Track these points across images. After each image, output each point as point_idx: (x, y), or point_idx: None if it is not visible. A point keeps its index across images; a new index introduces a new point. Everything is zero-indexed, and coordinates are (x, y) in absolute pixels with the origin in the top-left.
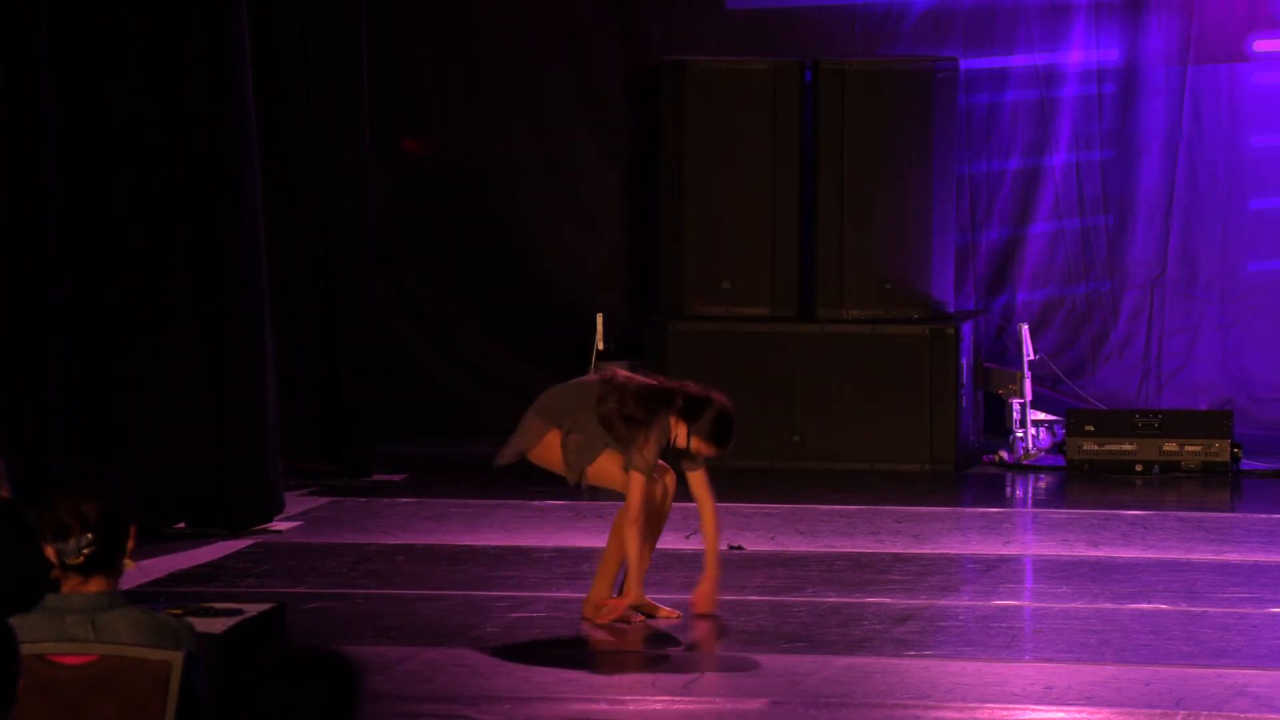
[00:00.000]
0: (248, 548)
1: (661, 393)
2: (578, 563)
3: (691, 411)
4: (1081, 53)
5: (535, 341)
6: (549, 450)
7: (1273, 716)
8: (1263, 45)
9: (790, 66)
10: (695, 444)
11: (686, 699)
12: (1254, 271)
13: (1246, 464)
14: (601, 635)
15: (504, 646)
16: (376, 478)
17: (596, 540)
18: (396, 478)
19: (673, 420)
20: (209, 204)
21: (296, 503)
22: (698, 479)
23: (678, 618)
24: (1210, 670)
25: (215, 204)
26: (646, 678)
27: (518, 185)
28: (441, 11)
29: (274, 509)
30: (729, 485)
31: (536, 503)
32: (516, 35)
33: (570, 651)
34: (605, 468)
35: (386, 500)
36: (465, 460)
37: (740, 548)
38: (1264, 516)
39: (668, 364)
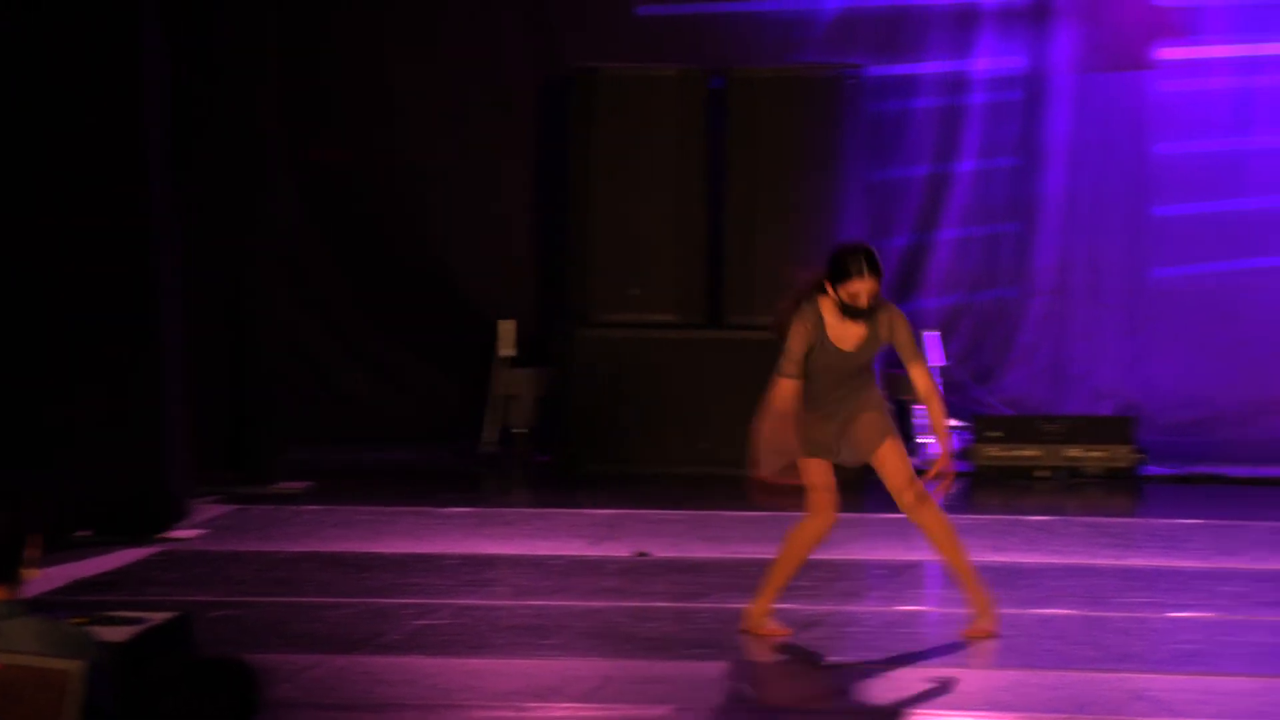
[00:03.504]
0: (153, 556)
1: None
2: (482, 570)
3: (813, 283)
4: (989, 60)
5: (443, 348)
6: None
7: None
8: (1166, 53)
9: (698, 74)
10: (846, 292)
11: (591, 705)
12: (1158, 278)
13: (1149, 469)
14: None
15: (409, 654)
16: (282, 485)
17: (501, 547)
18: (302, 485)
19: (809, 305)
20: (117, 210)
21: (202, 510)
22: (917, 374)
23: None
24: (1112, 675)
25: (123, 211)
26: (551, 684)
27: (428, 192)
28: (354, 20)
29: (179, 516)
30: (635, 492)
31: (442, 510)
32: (428, 43)
33: (475, 658)
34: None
35: (292, 508)
36: (372, 467)
37: (646, 554)
38: (1165, 521)
39: (574, 370)
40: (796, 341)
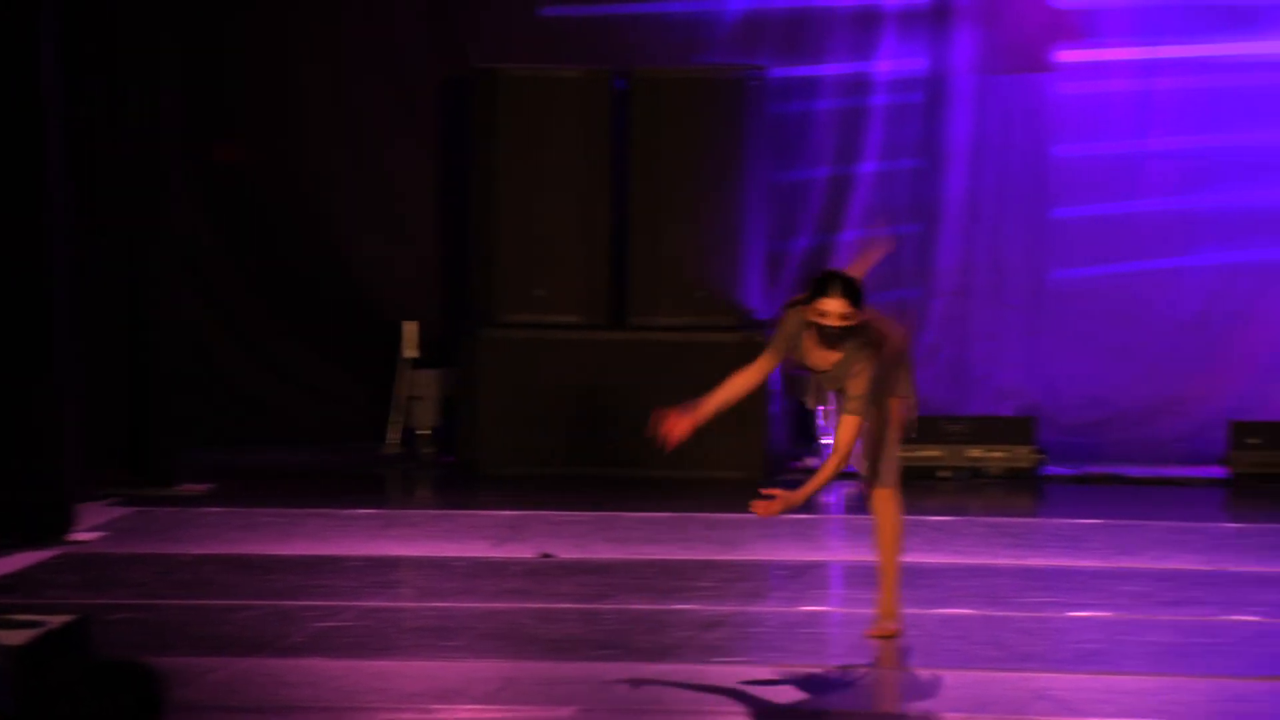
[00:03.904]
0: (51, 559)
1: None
2: (386, 571)
3: (795, 301)
4: (890, 62)
5: (347, 349)
6: None
7: (1073, 719)
8: (1066, 55)
9: (601, 74)
10: (815, 310)
11: (495, 707)
12: (1058, 279)
13: (1050, 469)
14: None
15: (312, 656)
16: (184, 487)
17: (405, 549)
18: (203, 487)
19: (794, 316)
20: (11, 211)
21: (101, 513)
22: (844, 423)
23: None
24: (1014, 674)
25: (18, 212)
26: (456, 686)
27: (330, 193)
28: (254, 20)
29: (73, 520)
30: (539, 493)
31: (346, 511)
32: (329, 44)
33: (380, 660)
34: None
35: (194, 510)
36: (275, 469)
37: (550, 555)
38: (1066, 521)
39: (478, 371)
40: (778, 333)
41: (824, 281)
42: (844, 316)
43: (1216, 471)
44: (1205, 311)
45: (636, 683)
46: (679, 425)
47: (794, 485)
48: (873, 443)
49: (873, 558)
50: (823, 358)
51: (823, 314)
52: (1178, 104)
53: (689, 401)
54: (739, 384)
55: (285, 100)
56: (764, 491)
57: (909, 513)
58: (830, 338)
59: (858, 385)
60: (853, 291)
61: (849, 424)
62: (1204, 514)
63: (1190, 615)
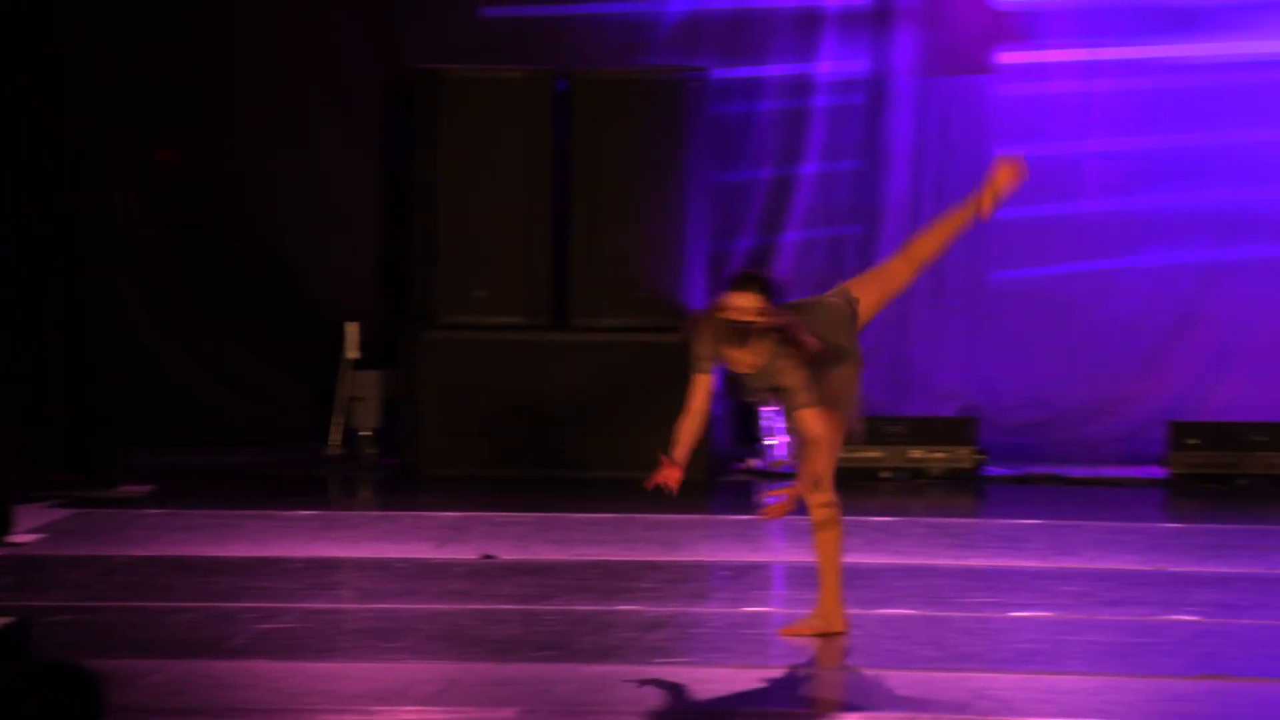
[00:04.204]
0: None
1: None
2: (327, 573)
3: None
4: (831, 63)
5: (288, 350)
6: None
7: (1014, 719)
8: (1006, 57)
9: (543, 75)
10: (718, 304)
11: (437, 708)
12: (998, 280)
13: (990, 470)
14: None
15: (254, 658)
16: (124, 489)
17: (347, 550)
18: (144, 488)
19: (704, 327)
20: None
21: (41, 514)
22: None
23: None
24: (955, 674)
25: None
26: (397, 687)
27: (272, 193)
28: (196, 21)
29: (11, 521)
30: (481, 494)
31: (287, 513)
32: (271, 44)
33: (321, 662)
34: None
35: (134, 511)
36: (216, 471)
37: (492, 557)
38: (1006, 522)
39: (419, 372)
40: (696, 350)
41: (735, 278)
42: (756, 311)
43: (1155, 472)
44: (1145, 312)
45: (579, 684)
46: (674, 474)
47: (737, 487)
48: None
49: (805, 558)
50: (743, 360)
51: (722, 306)
52: (1118, 106)
53: (667, 456)
54: (694, 420)
55: (227, 101)
56: (772, 494)
57: (850, 514)
58: (738, 334)
59: (792, 378)
60: (764, 288)
61: (809, 417)
62: (1143, 514)
63: (1129, 615)
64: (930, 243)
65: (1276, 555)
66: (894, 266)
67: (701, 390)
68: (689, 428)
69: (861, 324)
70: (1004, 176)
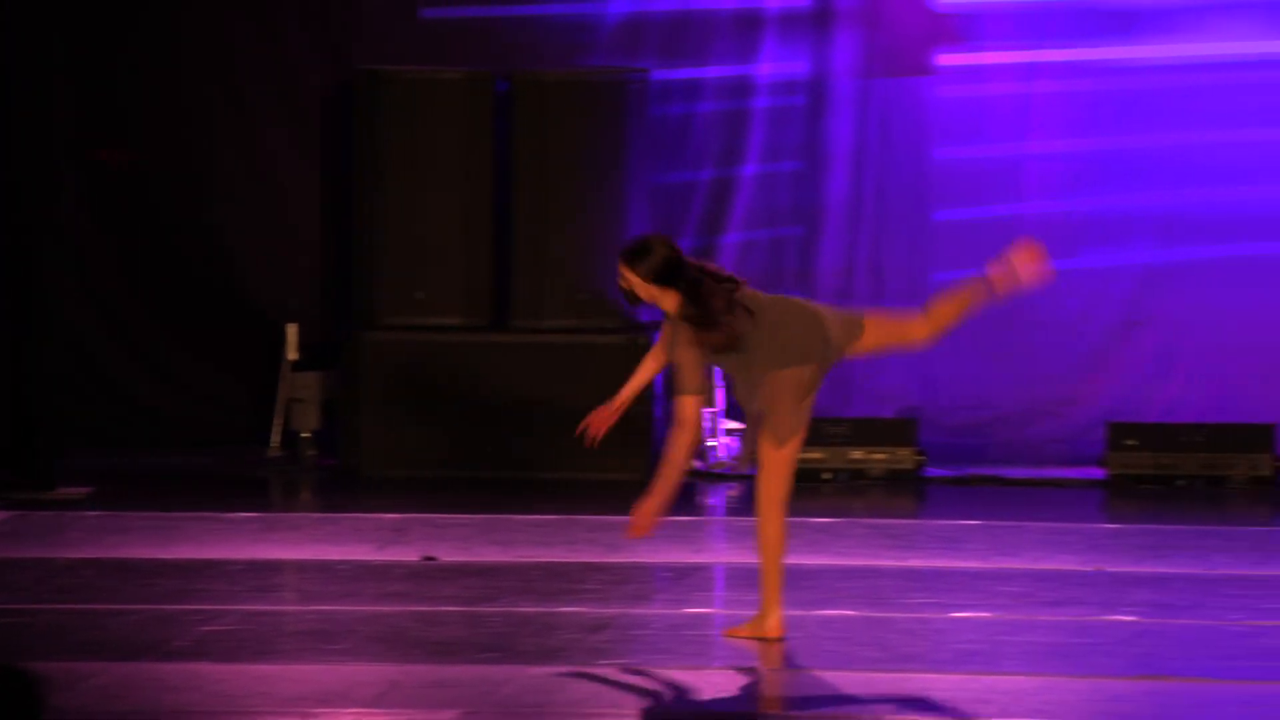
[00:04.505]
0: None
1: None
2: (268, 575)
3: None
4: (771, 65)
5: (228, 351)
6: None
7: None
8: (946, 59)
9: (484, 77)
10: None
11: (379, 710)
12: (939, 282)
13: (931, 471)
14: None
15: (195, 660)
16: (63, 490)
17: (288, 552)
18: (83, 490)
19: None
20: None
21: None
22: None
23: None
24: (896, 675)
25: None
26: (339, 690)
27: (214, 194)
28: (140, 20)
29: None
30: (422, 495)
31: (228, 515)
32: (214, 44)
33: (262, 664)
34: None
35: (73, 513)
36: (157, 472)
37: (434, 558)
38: (947, 523)
39: (360, 374)
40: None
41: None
42: (631, 286)
43: (1095, 473)
44: (1086, 314)
45: (521, 685)
46: (600, 418)
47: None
48: (772, 406)
49: (748, 559)
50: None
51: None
52: (1057, 107)
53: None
54: (647, 369)
55: (171, 101)
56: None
57: (792, 515)
58: (628, 298)
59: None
60: (627, 254)
61: (688, 403)
62: (1082, 515)
63: (1069, 615)
64: (950, 311)
65: (1214, 556)
66: (916, 324)
67: (657, 357)
68: (637, 378)
69: (849, 354)
70: (1024, 261)
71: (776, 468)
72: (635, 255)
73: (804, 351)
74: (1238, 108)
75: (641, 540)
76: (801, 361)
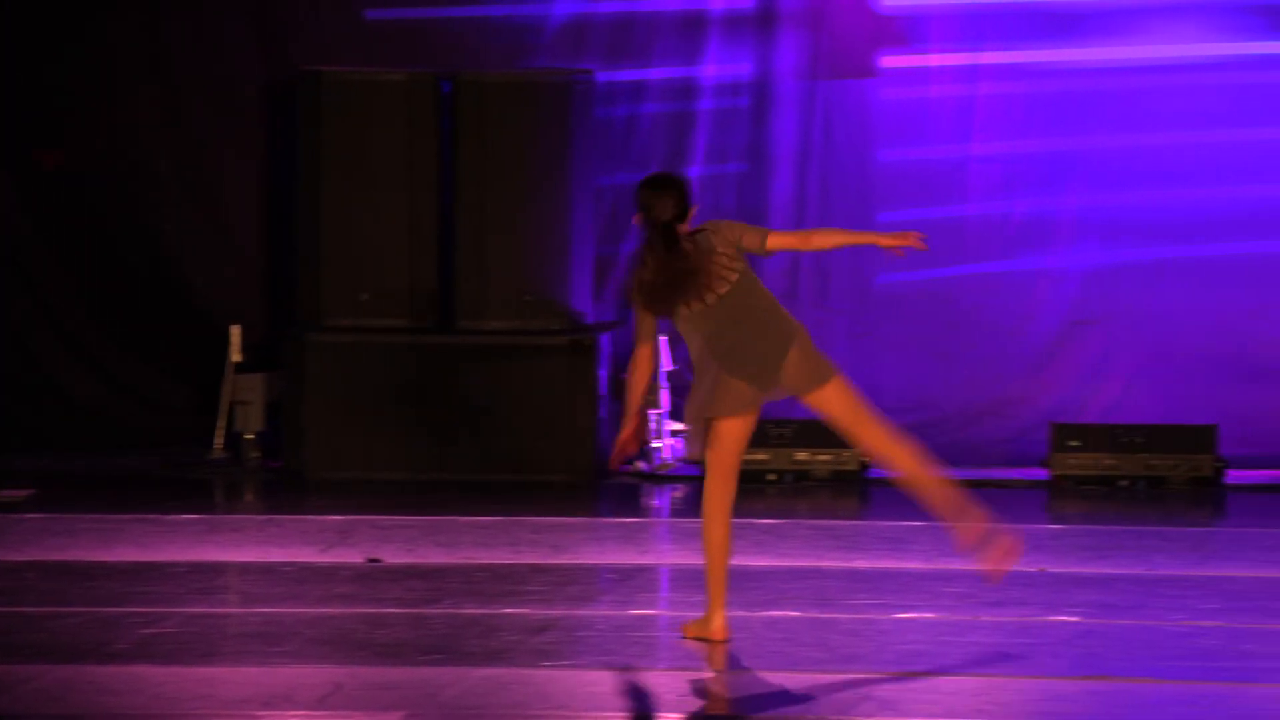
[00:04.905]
0: None
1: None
2: (212, 577)
3: (670, 223)
4: (716, 67)
5: (171, 352)
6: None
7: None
8: (890, 61)
9: (427, 78)
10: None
11: (323, 713)
12: (883, 283)
13: (876, 472)
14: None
15: (137, 663)
16: (3, 493)
17: (231, 554)
18: (24, 492)
19: (668, 242)
20: None
21: None
22: (781, 238)
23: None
24: (840, 675)
25: None
26: (282, 692)
27: (156, 195)
28: (77, 21)
29: None
30: (367, 497)
31: (170, 517)
32: (152, 45)
33: (205, 667)
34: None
35: (14, 516)
36: (99, 475)
37: (378, 560)
38: (891, 524)
39: (304, 375)
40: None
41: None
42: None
43: (1038, 473)
44: (1029, 315)
45: (466, 687)
46: (627, 440)
47: (624, 489)
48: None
49: (692, 560)
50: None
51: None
52: (1000, 109)
53: (624, 421)
54: (642, 371)
55: (110, 101)
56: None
57: (736, 515)
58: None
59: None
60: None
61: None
62: (1025, 516)
63: (1012, 616)
64: (909, 473)
65: (1156, 556)
66: (884, 437)
67: (646, 344)
68: (637, 386)
69: (805, 387)
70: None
71: (723, 471)
72: (672, 177)
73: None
74: (1180, 110)
75: (621, 467)
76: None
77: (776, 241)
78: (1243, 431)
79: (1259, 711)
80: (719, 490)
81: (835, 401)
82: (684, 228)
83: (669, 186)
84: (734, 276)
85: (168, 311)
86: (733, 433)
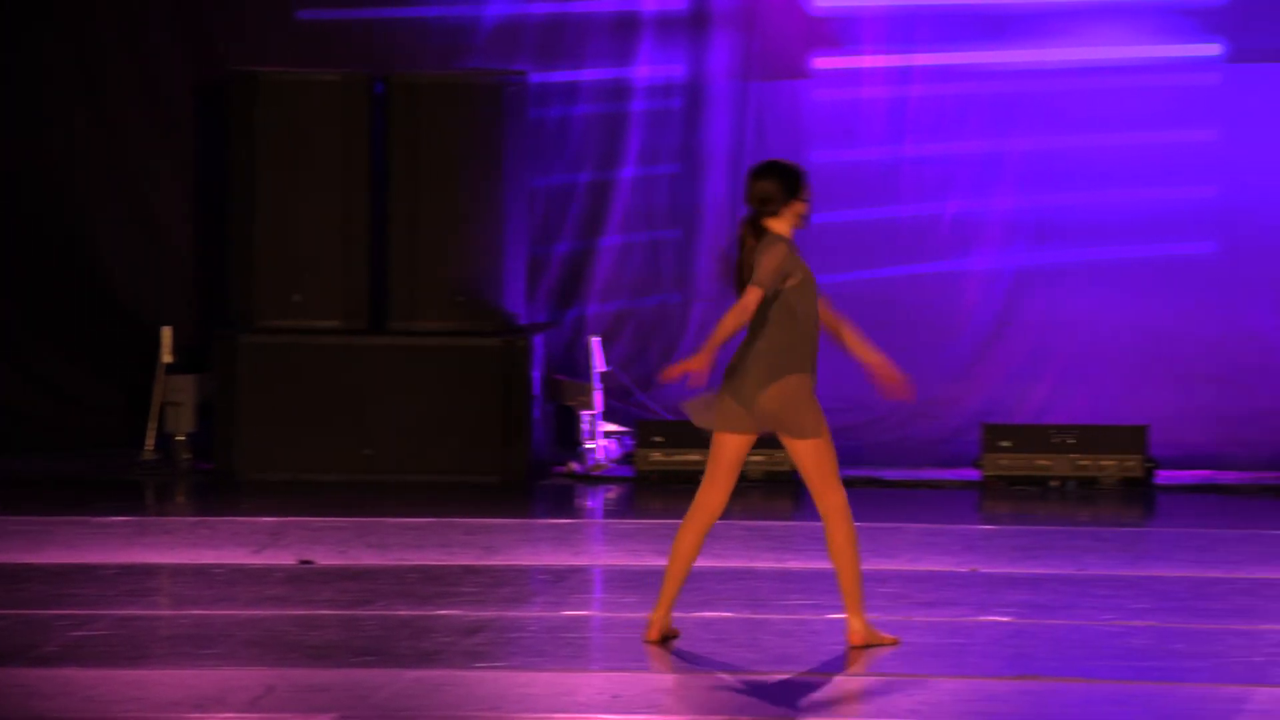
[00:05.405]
0: None
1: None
2: (142, 579)
3: (758, 216)
4: (649, 68)
5: (101, 355)
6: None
7: (801, 717)
8: (822, 62)
9: (359, 78)
10: (792, 212)
11: (255, 715)
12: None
13: None
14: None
15: (66, 666)
16: None
17: (162, 556)
18: None
19: (770, 235)
20: None
21: None
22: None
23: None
24: (772, 676)
25: None
26: (214, 694)
27: (85, 197)
28: (5, 27)
29: None
30: (299, 499)
31: (100, 519)
32: (81, 44)
33: (136, 669)
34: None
35: None
36: (28, 477)
37: (310, 562)
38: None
39: (238, 376)
40: (775, 259)
41: (799, 175)
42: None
43: (970, 474)
44: (961, 316)
45: (398, 689)
46: (691, 366)
47: (557, 490)
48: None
49: (625, 561)
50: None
51: (809, 208)
52: (931, 111)
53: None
54: (732, 322)
55: (38, 102)
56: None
57: (669, 516)
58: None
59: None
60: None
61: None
62: (957, 516)
63: (944, 616)
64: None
65: (1087, 556)
66: (833, 496)
67: (748, 305)
68: (721, 331)
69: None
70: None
71: (711, 479)
72: (763, 168)
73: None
74: (1111, 112)
75: (673, 379)
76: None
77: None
78: (1173, 432)
79: (1188, 710)
80: (701, 498)
81: (804, 458)
82: (773, 223)
83: (754, 177)
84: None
85: (98, 313)
86: (725, 446)
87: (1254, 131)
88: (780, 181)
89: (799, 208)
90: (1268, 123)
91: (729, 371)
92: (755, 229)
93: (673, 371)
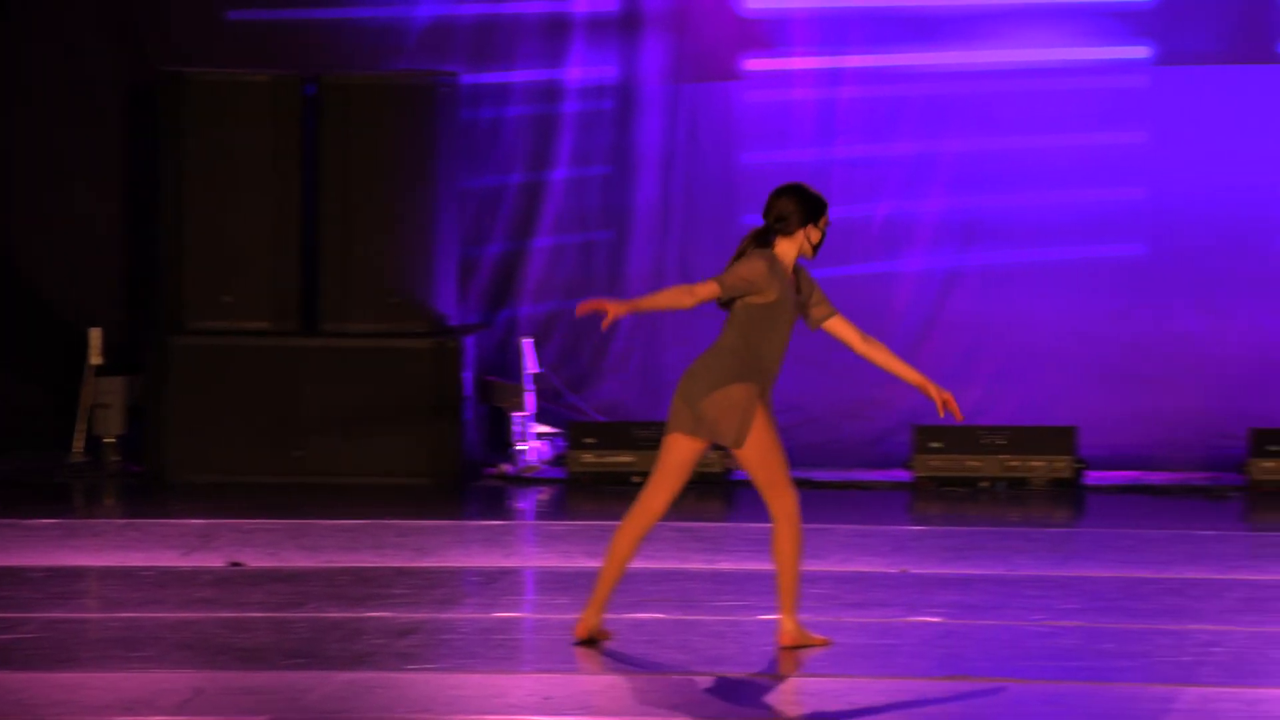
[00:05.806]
0: None
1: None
2: (70, 582)
3: (768, 231)
4: (581, 69)
5: (28, 357)
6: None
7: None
8: (753, 64)
9: (291, 80)
10: (823, 228)
11: (184, 717)
12: None
13: (740, 474)
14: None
15: None
16: None
17: (90, 559)
18: None
19: (763, 249)
20: None
21: None
22: (841, 325)
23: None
24: (704, 677)
25: None
26: (143, 697)
27: (11, 198)
28: None
29: None
30: (229, 501)
31: (27, 521)
32: (9, 44)
33: (64, 673)
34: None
35: None
36: None
37: (240, 564)
38: (756, 525)
39: (168, 378)
40: (749, 270)
41: (817, 198)
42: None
43: (900, 475)
44: (892, 317)
45: (329, 691)
46: (610, 305)
47: (489, 492)
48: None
49: (556, 563)
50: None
51: (825, 229)
52: (862, 113)
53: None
54: (670, 296)
55: None
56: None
57: (601, 518)
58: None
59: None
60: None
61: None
62: (888, 517)
63: (875, 617)
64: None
65: (1017, 557)
66: (786, 499)
67: (700, 294)
68: (656, 298)
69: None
70: None
71: (655, 480)
72: (784, 189)
73: None
74: (1041, 114)
75: (592, 311)
76: None
77: (832, 323)
78: (1103, 433)
79: (1118, 710)
80: (643, 500)
81: (745, 464)
82: (782, 242)
83: (776, 193)
84: (737, 303)
85: (24, 314)
86: (674, 449)
87: (1182, 134)
88: (801, 204)
89: (813, 235)
90: (1195, 125)
91: (686, 374)
92: (759, 241)
93: (587, 306)
